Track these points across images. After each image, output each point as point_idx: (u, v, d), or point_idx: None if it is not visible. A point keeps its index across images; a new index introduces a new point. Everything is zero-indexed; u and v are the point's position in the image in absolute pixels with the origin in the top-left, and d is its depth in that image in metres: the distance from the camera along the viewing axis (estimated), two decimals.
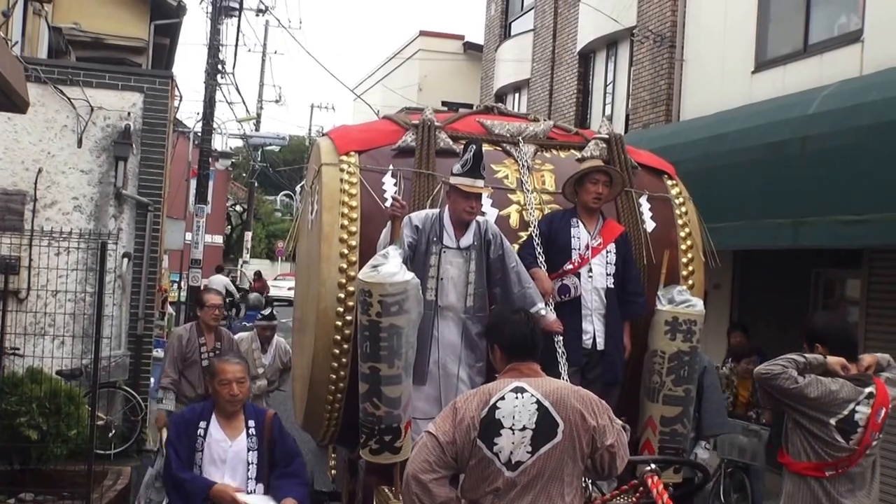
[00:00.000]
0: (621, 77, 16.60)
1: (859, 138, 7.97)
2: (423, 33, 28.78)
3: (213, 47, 23.33)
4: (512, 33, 22.75)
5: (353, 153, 6.52)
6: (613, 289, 6.27)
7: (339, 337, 6.09)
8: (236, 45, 27.51)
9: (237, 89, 46.96)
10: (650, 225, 6.72)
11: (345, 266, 6.12)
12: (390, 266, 5.38)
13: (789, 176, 8.70)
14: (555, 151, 6.97)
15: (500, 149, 6.76)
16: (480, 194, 5.91)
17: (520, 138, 6.81)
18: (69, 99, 10.85)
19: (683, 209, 6.95)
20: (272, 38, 63.41)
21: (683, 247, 6.78)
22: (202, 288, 14.71)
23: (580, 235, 6.28)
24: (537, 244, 6.23)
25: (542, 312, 5.87)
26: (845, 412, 4.85)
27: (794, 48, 10.89)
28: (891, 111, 7.76)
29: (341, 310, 6.09)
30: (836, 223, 8.03)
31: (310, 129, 51.43)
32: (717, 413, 7.76)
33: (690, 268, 6.77)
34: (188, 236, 23.38)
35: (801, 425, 4.95)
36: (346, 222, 6.20)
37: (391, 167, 6.44)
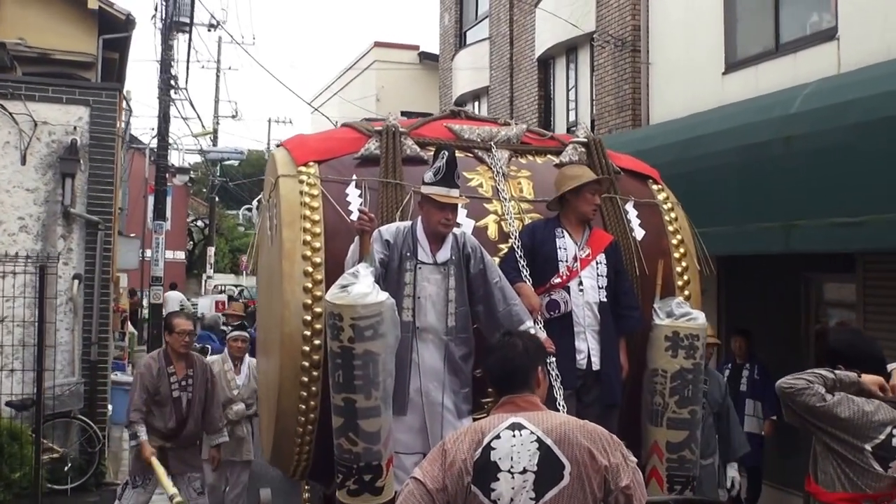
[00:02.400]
0: (583, 82, 16.24)
1: (847, 137, 7.54)
2: (377, 44, 28.34)
3: (166, 62, 22.81)
4: (467, 42, 22.31)
5: (312, 163, 6.02)
6: (607, 302, 5.79)
7: (307, 363, 5.58)
8: (188, 60, 27.25)
9: (192, 104, 46.18)
10: (639, 233, 6.25)
11: (310, 285, 5.62)
12: (361, 286, 4.86)
13: (775, 178, 8.27)
14: (530, 157, 6.50)
15: (471, 155, 6.28)
16: (456, 205, 5.42)
17: (492, 143, 6.32)
18: (11, 114, 10.29)
19: (673, 215, 6.49)
20: (226, 54, 62.67)
21: (677, 255, 6.32)
22: (170, 312, 14.08)
23: (566, 246, 5.80)
24: (520, 256, 5.74)
25: (532, 332, 5.37)
26: (882, 437, 4.32)
27: (766, 48, 10.51)
28: (879, 108, 7.33)
29: (308, 333, 5.58)
30: (829, 226, 7.59)
31: (268, 144, 50.90)
32: (741, 431, 7.54)
33: (686, 277, 6.30)
34: (147, 253, 22.76)
35: (833, 450, 4.42)
36: (308, 238, 5.70)
37: (355, 177, 5.95)
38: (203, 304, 29.22)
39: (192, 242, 47.48)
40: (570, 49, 16.54)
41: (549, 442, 3.41)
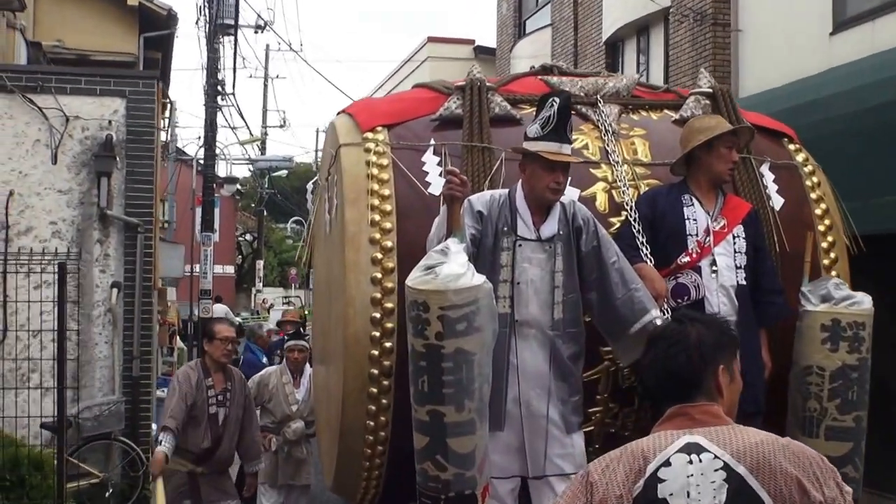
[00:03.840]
0: (655, 65, 15.40)
1: None
2: (431, 39, 27.54)
3: (212, 66, 22.23)
4: (527, 31, 21.62)
5: (380, 129, 5.06)
6: (745, 286, 4.71)
7: (375, 371, 4.65)
8: (234, 64, 26.36)
9: (239, 111, 45.67)
10: (777, 201, 5.18)
11: (379, 276, 4.68)
12: (453, 266, 3.80)
13: None
14: (643, 112, 5.46)
15: (573, 112, 5.17)
16: (568, 165, 4.36)
17: (598, 97, 5.28)
18: (40, 109, 9.32)
19: (815, 179, 5.43)
20: (273, 63, 62.42)
21: (822, 227, 5.25)
22: (210, 318, 13.07)
23: (697, 217, 4.73)
24: (638, 231, 4.69)
25: (658, 322, 4.31)
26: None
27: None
28: None
29: (377, 334, 4.64)
30: None
31: (316, 154, 50.58)
32: None
33: (833, 255, 5.23)
34: (196, 268, 22.29)
35: None
36: (377, 217, 4.76)
37: (433, 142, 4.94)
38: (274, 317, 28.32)
39: (240, 256, 47.23)
40: (641, 29, 15.77)
41: (740, 470, 2.40)
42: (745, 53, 11.97)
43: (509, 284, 4.28)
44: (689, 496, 2.39)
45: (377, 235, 4.71)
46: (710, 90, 5.42)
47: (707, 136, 4.73)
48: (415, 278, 3.88)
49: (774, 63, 10.93)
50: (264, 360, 10.21)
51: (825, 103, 8.55)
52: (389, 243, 4.69)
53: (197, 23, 23.53)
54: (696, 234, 4.68)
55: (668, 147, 5.10)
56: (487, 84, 5.15)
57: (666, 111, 5.46)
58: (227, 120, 32.38)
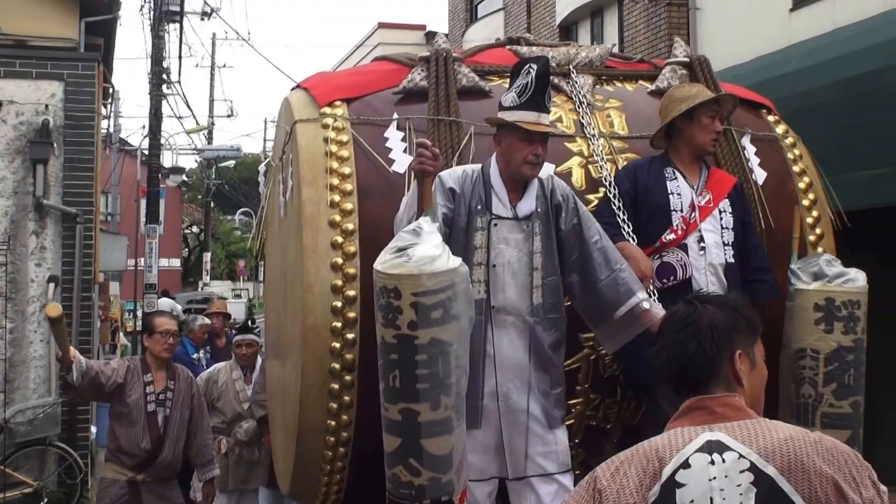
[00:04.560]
0: (610, 46, 15.08)
1: None
2: (381, 25, 27.22)
3: (157, 52, 21.62)
4: (479, 15, 21.41)
5: (338, 103, 4.67)
6: (734, 264, 4.42)
7: (337, 365, 4.26)
8: (180, 52, 25.47)
9: (185, 100, 44.84)
10: (760, 175, 4.89)
11: (340, 261, 4.30)
12: (427, 247, 3.45)
13: (885, 115, 6.88)
14: (618, 83, 5.13)
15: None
16: (547, 136, 4.04)
17: (570, 67, 4.94)
18: None
19: (797, 152, 5.15)
20: (220, 53, 61.69)
21: (806, 202, 4.96)
22: (150, 312, 12.33)
23: (681, 191, 4.42)
24: (618, 208, 4.38)
25: (645, 305, 4.02)
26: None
27: None
28: None
29: (339, 325, 4.27)
30: None
31: (264, 144, 49.99)
32: None
33: (818, 230, 4.94)
34: (141, 261, 21.55)
35: None
36: (337, 198, 4.37)
37: (396, 116, 4.58)
38: (237, 310, 27.64)
39: (187, 249, 46.54)
40: (595, 11, 15.61)
41: (769, 471, 2.11)
42: (704, 32, 11.80)
43: (484, 267, 3.94)
44: (712, 502, 2.09)
45: (337, 217, 4.33)
46: (687, 59, 5.13)
47: (689, 105, 4.43)
48: (385, 262, 3.51)
49: (734, 41, 10.75)
50: (195, 355, 9.70)
51: (786, 80, 8.35)
52: (351, 226, 4.33)
53: (141, 10, 22.99)
54: (681, 210, 4.37)
55: (645, 119, 4.79)
56: (454, 55, 4.80)
57: (641, 82, 5.14)
58: (172, 109, 31.67)
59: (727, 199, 4.45)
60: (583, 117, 4.71)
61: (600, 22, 15.49)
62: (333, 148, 4.45)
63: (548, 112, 4.02)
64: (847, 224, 5.11)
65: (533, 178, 4.02)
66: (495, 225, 3.96)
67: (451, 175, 4.02)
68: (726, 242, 4.40)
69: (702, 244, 4.35)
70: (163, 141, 23.99)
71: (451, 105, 4.58)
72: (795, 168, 5.04)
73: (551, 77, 4.30)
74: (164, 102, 23.22)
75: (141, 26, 57.90)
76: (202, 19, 27.89)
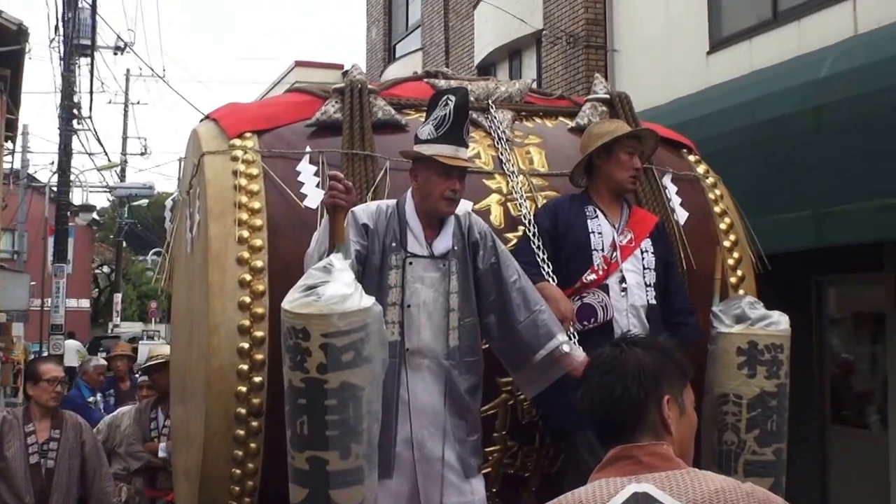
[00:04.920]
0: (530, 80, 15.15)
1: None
2: (298, 64, 26.93)
3: (67, 86, 21.07)
4: (397, 55, 21.21)
5: (249, 135, 4.49)
6: (656, 305, 4.31)
7: (243, 410, 4.05)
8: (91, 86, 24.89)
9: (96, 136, 43.90)
10: (681, 214, 4.82)
11: (248, 300, 4.10)
12: (338, 285, 3.26)
13: (801, 157, 6.91)
14: (538, 119, 5.03)
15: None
16: (465, 171, 3.89)
17: (489, 102, 4.82)
18: None
19: (718, 192, 5.10)
20: (135, 87, 60.64)
21: (727, 243, 4.89)
22: (34, 358, 11.54)
23: (602, 230, 4.30)
24: (537, 247, 4.24)
25: (566, 348, 3.88)
26: None
27: (761, 18, 9.24)
28: None
29: (245, 367, 4.06)
30: (878, 210, 6.21)
31: (179, 183, 49.29)
32: None
33: (740, 272, 4.87)
34: (47, 301, 20.92)
35: None
36: (245, 234, 4.18)
37: (309, 149, 4.41)
38: (143, 352, 26.98)
39: (97, 289, 45.45)
40: (513, 52, 15.55)
41: None
42: (622, 74, 11.83)
43: (399, 308, 3.76)
44: None
45: (246, 254, 4.13)
46: (607, 96, 5.05)
47: (607, 139, 4.33)
48: (293, 301, 3.32)
49: (652, 83, 10.80)
50: (91, 398, 9.27)
51: (704, 122, 8.35)
52: (260, 263, 4.13)
53: (52, 44, 22.43)
54: (602, 249, 4.25)
55: (565, 156, 4.68)
56: (369, 87, 4.64)
57: (561, 118, 5.05)
58: (83, 145, 30.89)
59: (649, 239, 4.34)
60: (502, 153, 4.59)
61: (519, 63, 15.43)
62: (243, 181, 4.27)
63: (466, 146, 3.88)
64: (768, 267, 5.07)
65: (450, 215, 3.87)
66: (410, 263, 3.79)
67: (365, 210, 3.84)
68: (648, 283, 4.29)
69: (623, 285, 4.23)
70: (73, 178, 23.49)
71: (365, 139, 4.42)
72: (716, 208, 4.99)
73: (470, 112, 4.17)
74: (74, 138, 22.76)
75: (51, 61, 56.75)
76: (115, 54, 27.39)
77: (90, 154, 31.68)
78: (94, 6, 21.45)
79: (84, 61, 23.55)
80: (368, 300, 3.33)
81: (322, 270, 3.34)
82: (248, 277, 4.11)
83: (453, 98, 3.78)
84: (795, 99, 7.16)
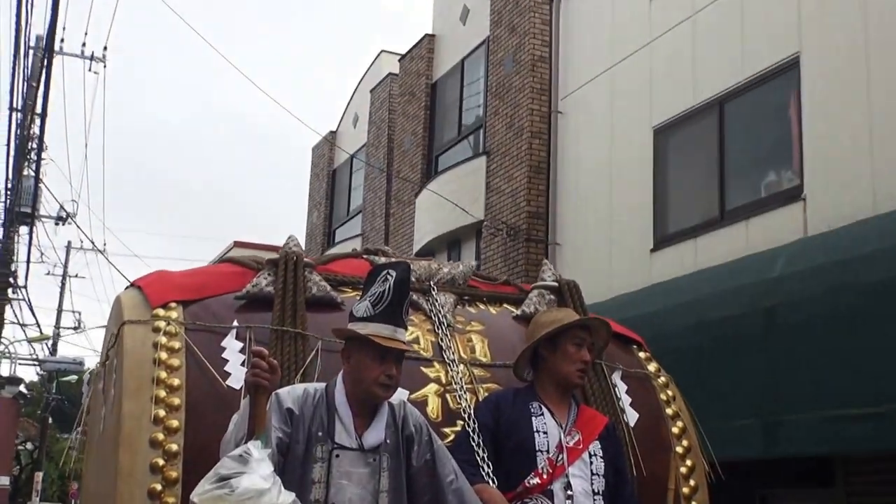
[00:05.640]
0: (474, 263, 15.14)
1: (854, 301, 6.15)
2: (237, 244, 26.83)
3: (5, 256, 20.63)
4: (336, 240, 21.24)
5: (173, 305, 4.21)
6: None
7: None
8: (29, 256, 24.35)
9: (30, 307, 43.05)
10: (632, 415, 4.54)
11: (159, 488, 3.74)
12: (254, 478, 2.92)
13: (749, 360, 6.75)
14: (481, 305, 4.78)
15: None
16: (402, 355, 3.58)
17: (431, 283, 4.58)
18: None
19: (670, 392, 4.85)
20: (73, 261, 60.20)
21: (680, 449, 4.60)
22: None
23: (547, 429, 3.96)
24: (477, 444, 3.91)
25: None
26: None
27: (707, 217, 9.30)
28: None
29: None
30: (831, 420, 6.01)
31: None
32: None
33: (693, 482, 4.56)
34: None
35: None
36: (162, 413, 3.84)
37: (236, 323, 4.13)
38: None
39: (18, 466, 43.80)
40: (452, 242, 15.66)
41: None
42: (564, 268, 11.80)
43: None
44: None
45: (160, 436, 3.79)
46: (556, 283, 4.84)
47: (550, 329, 4.07)
48: (203, 493, 2.96)
49: (594, 278, 10.77)
50: None
51: (647, 319, 8.25)
52: (175, 447, 3.78)
53: None
54: (548, 451, 3.90)
55: (510, 345, 4.40)
56: (305, 260, 4.40)
57: (506, 305, 4.81)
58: (16, 315, 30.01)
59: (598, 442, 4.01)
60: (442, 339, 4.31)
61: (458, 253, 15.49)
62: (163, 355, 3.96)
63: (405, 327, 3.60)
64: (721, 476, 4.77)
65: (384, 401, 3.55)
66: (337, 456, 3.42)
67: (291, 394, 3.50)
68: (596, 491, 3.90)
69: (569, 492, 3.86)
70: (2, 348, 22.81)
71: (297, 315, 4.15)
72: (669, 410, 4.72)
73: (410, 292, 3.93)
74: (7, 307, 22.18)
75: None
76: (57, 224, 27.01)
77: (23, 325, 30.74)
78: (37, 175, 21.21)
79: (24, 230, 23.16)
80: (288, 497, 2.98)
81: (237, 460, 2.98)
82: (160, 462, 3.76)
83: (393, 273, 3.52)
84: (744, 299, 7.06)
